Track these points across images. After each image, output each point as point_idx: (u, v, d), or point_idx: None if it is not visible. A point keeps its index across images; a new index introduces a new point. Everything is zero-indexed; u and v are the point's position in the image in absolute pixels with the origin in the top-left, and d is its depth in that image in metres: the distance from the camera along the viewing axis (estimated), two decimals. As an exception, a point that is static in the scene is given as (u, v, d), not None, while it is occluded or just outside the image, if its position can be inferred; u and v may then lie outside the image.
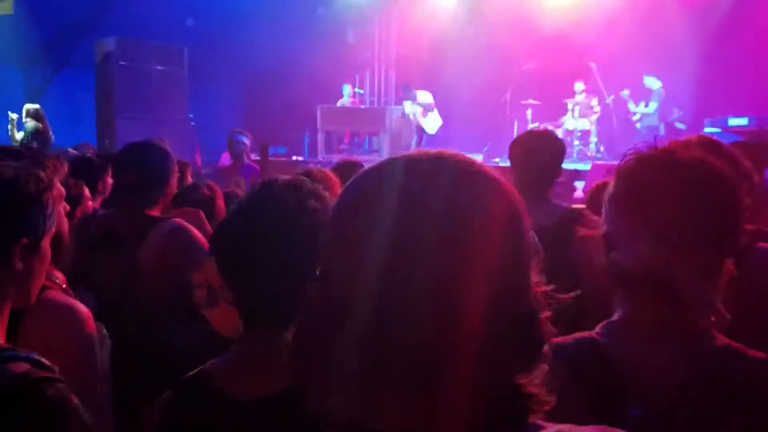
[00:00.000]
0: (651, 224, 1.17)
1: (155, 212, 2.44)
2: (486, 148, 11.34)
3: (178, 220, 2.40)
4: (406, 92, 11.07)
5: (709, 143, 1.96)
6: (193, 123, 11.17)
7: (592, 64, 10.89)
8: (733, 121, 7.40)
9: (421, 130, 11.28)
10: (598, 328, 1.25)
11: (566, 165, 8.78)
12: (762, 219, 3.20)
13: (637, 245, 1.19)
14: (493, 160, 10.16)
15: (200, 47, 11.33)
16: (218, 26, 11.48)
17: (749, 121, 7.28)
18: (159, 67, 10.55)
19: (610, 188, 1.28)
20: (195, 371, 1.20)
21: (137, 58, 10.31)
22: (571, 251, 2.49)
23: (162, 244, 2.29)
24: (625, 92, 10.72)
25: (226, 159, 8.76)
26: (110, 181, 3.30)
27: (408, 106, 11.21)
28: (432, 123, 11.18)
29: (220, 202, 2.94)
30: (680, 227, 1.15)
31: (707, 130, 7.84)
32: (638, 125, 10.59)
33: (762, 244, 1.92)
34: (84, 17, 10.75)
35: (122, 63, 10.12)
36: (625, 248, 1.21)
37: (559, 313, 0.75)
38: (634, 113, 10.67)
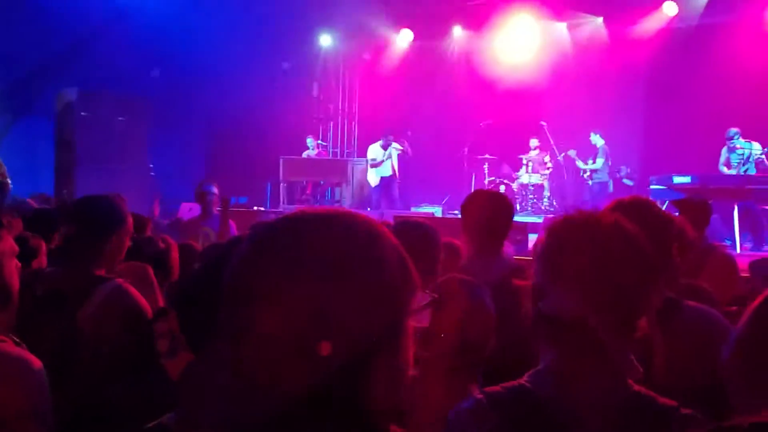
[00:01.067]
0: (570, 280, 1.29)
1: (101, 269, 2.40)
2: (445, 200, 11.59)
3: (119, 280, 2.35)
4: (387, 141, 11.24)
5: (639, 204, 2.10)
6: (153, 173, 11.16)
7: (543, 123, 11.32)
8: (677, 179, 7.75)
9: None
10: (526, 377, 1.33)
11: (521, 218, 9.06)
12: (703, 275, 3.39)
13: (559, 299, 1.30)
14: (452, 212, 10.40)
15: (165, 97, 11.41)
16: (183, 77, 11.60)
17: (692, 179, 7.64)
18: (121, 118, 10.59)
19: (538, 244, 1.41)
20: (153, 424, 1.21)
21: (99, 109, 10.34)
22: (512, 303, 2.62)
23: (102, 306, 2.25)
24: (572, 152, 11.13)
25: (185, 209, 8.78)
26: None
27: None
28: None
29: (175, 255, 2.97)
30: (595, 285, 1.26)
31: (653, 187, 8.18)
32: (590, 182, 10.98)
33: (689, 303, 2.05)
34: (45, 66, 10.77)
35: (83, 114, 10.13)
36: (548, 300, 1.32)
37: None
38: (584, 170, 11.07)
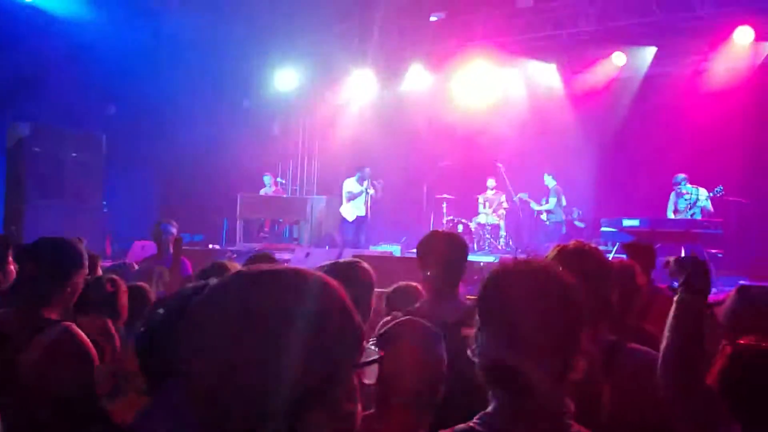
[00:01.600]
0: (504, 327, 1.34)
1: (53, 311, 2.36)
2: (403, 239, 11.65)
3: (68, 324, 2.32)
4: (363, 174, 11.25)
5: (580, 250, 2.17)
6: (106, 210, 10.97)
7: (500, 165, 11.58)
8: (627, 222, 7.99)
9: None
10: (476, 419, 1.37)
11: (479, 258, 9.14)
12: (651, 317, 3.47)
13: (493, 345, 1.35)
14: (411, 251, 10.45)
15: (120, 134, 11.29)
16: (140, 114, 11.51)
17: (641, 222, 7.88)
18: (74, 154, 10.42)
19: (479, 289, 1.46)
20: None
21: (52, 145, 10.17)
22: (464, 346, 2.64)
23: (48, 349, 2.22)
24: (524, 195, 11.40)
25: (137, 247, 8.62)
26: (11, 269, 3.20)
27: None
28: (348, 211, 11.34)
29: (124, 298, 2.92)
30: (524, 332, 1.31)
31: (604, 229, 8.42)
32: (547, 222, 11.21)
33: (631, 345, 2.11)
34: (-3, 99, 10.58)
35: (36, 149, 9.94)
36: (483, 346, 1.37)
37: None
38: (540, 211, 11.31)
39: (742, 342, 1.79)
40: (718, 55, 9.95)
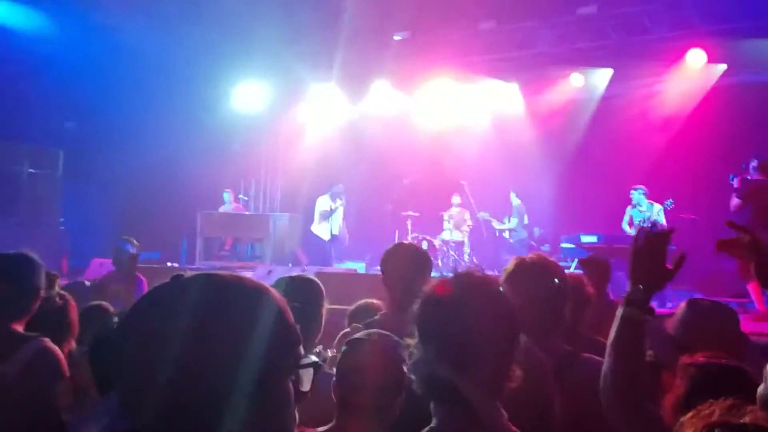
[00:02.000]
0: (439, 343, 1.36)
1: (20, 326, 2.40)
2: (368, 257, 11.64)
3: (44, 339, 2.37)
4: (335, 191, 11.21)
5: (537, 263, 2.22)
6: (63, 227, 10.72)
7: (463, 182, 11.70)
8: (585, 238, 8.16)
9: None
10: None
11: (446, 275, 9.20)
12: (605, 329, 3.53)
13: (430, 359, 1.36)
14: (375, 268, 10.44)
15: (79, 150, 11.09)
16: (99, 129, 11.33)
17: (598, 238, 8.06)
18: (31, 170, 10.19)
19: (416, 306, 1.48)
20: None
21: (8, 160, 9.95)
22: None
23: (27, 364, 2.26)
24: (485, 214, 11.54)
25: (95, 265, 8.44)
26: None
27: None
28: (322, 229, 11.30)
29: (73, 314, 2.85)
30: (459, 346, 1.34)
31: (563, 245, 8.57)
32: (511, 240, 11.33)
33: (585, 355, 2.17)
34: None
35: (-10, 165, 9.72)
36: (422, 361, 1.38)
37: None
38: (502, 230, 11.43)
39: (702, 359, 1.83)
40: (672, 77, 10.29)
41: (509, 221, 11.33)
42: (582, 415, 1.77)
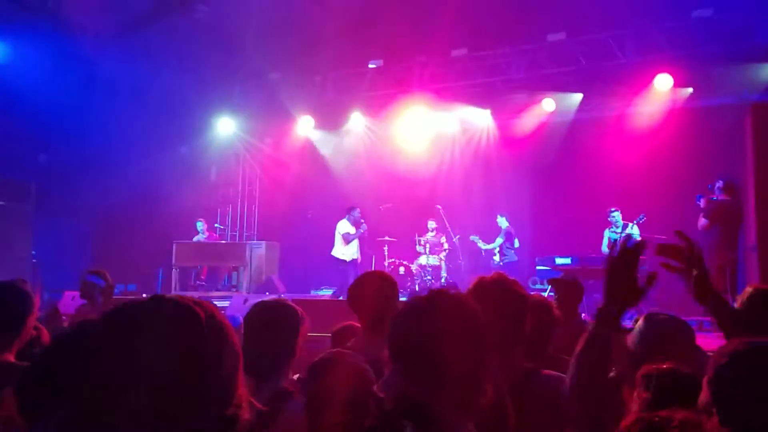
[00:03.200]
0: (409, 361, 1.37)
1: (9, 356, 2.39)
2: (345, 283, 11.62)
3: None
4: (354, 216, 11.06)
5: (498, 281, 2.25)
6: (35, 260, 10.57)
7: (438, 207, 11.78)
8: (559, 260, 8.25)
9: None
10: None
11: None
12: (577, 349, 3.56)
13: (400, 378, 1.38)
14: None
15: (52, 182, 10.98)
16: (73, 162, 11.24)
17: (572, 260, 8.15)
18: (2, 202, 10.06)
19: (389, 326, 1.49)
20: None
21: (-22, 193, 9.82)
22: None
23: None
24: (475, 237, 11.58)
25: (68, 298, 8.31)
26: None
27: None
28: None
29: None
30: (431, 367, 1.35)
31: (538, 267, 8.65)
32: (501, 263, 11.28)
33: (545, 372, 2.20)
34: None
35: (-39, 197, 9.58)
36: (392, 381, 1.39)
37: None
38: (491, 252, 11.44)
39: (663, 368, 1.87)
40: (641, 101, 10.53)
41: (494, 241, 11.38)
42: (539, 424, 1.80)
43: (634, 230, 9.40)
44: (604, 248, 9.59)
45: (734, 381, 1.37)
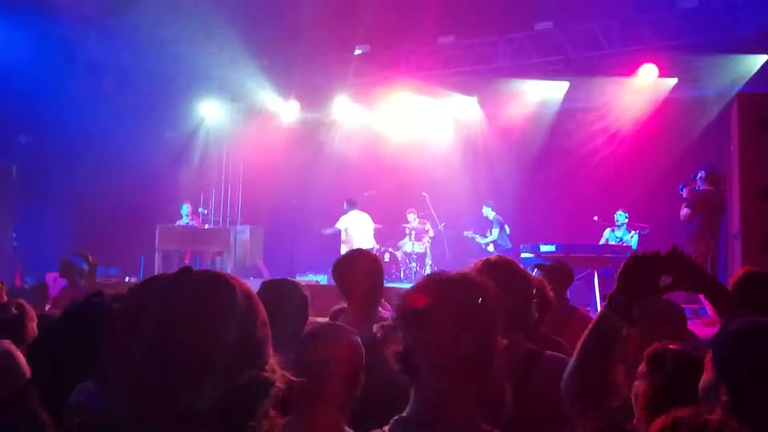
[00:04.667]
0: (422, 333, 1.38)
1: None
2: (329, 269, 11.58)
3: (6, 342, 2.34)
4: (350, 206, 11.06)
5: (503, 263, 2.26)
6: (16, 243, 10.43)
7: (425, 194, 11.80)
8: (544, 248, 8.30)
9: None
10: (391, 422, 1.42)
11: (404, 285, 9.19)
12: (566, 334, 3.62)
13: (412, 352, 1.38)
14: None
15: (34, 164, 10.83)
16: (55, 143, 11.08)
17: (557, 247, 8.21)
18: (-19, 185, 9.91)
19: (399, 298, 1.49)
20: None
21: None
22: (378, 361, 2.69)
23: None
24: (469, 232, 11.61)
25: (50, 280, 8.21)
26: None
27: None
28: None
29: (32, 324, 2.78)
30: (442, 342, 1.35)
31: (523, 255, 8.70)
32: (494, 251, 11.32)
33: (548, 353, 2.22)
34: None
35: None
36: (404, 354, 1.40)
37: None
38: (486, 244, 11.47)
39: (674, 348, 1.88)
40: (626, 90, 10.58)
41: (491, 233, 11.42)
42: (547, 411, 1.81)
43: (633, 239, 9.55)
44: (601, 242, 9.72)
45: (744, 353, 1.39)
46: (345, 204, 11.15)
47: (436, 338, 1.36)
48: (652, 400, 1.78)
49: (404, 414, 1.41)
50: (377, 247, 11.14)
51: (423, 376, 1.37)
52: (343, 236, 10.93)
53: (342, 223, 10.94)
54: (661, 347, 1.88)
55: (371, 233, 11.10)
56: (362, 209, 11.29)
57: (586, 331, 1.62)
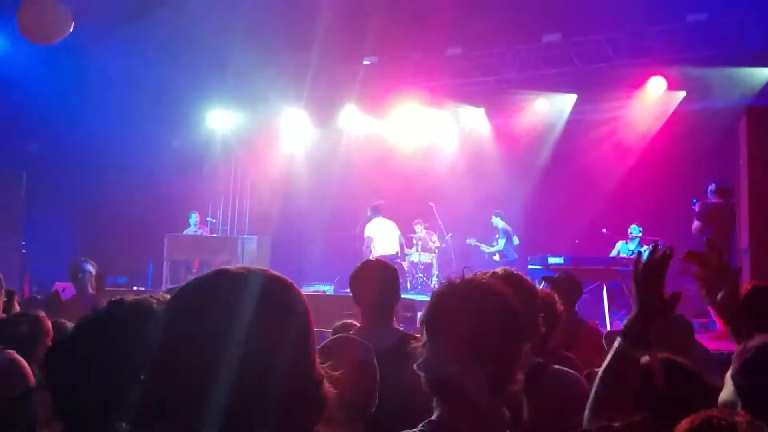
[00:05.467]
0: (447, 340, 1.40)
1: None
2: (336, 278, 11.60)
3: (11, 352, 2.39)
4: (374, 213, 11.06)
5: (510, 276, 2.27)
6: (25, 251, 10.48)
7: (432, 204, 11.80)
8: (552, 260, 8.29)
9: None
10: (420, 426, 1.43)
11: (411, 296, 9.17)
12: (575, 347, 3.59)
13: (438, 358, 1.40)
14: (344, 290, 10.41)
15: (43, 173, 10.90)
16: (64, 152, 11.15)
17: (565, 260, 8.20)
18: (-8, 193, 9.99)
19: (425, 307, 1.51)
20: None
21: (-32, 183, 9.72)
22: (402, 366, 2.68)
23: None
24: (472, 240, 11.59)
25: (58, 289, 8.25)
26: None
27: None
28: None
29: (47, 340, 2.74)
30: (469, 344, 1.37)
31: (531, 266, 8.69)
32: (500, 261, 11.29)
33: (555, 367, 2.22)
34: None
35: (-50, 187, 9.49)
36: (429, 360, 1.42)
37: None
38: (492, 253, 11.45)
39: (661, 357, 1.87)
40: (634, 103, 10.58)
41: (497, 243, 11.38)
42: (551, 424, 1.81)
43: (645, 253, 9.47)
44: (612, 254, 9.68)
45: (762, 375, 1.38)
46: (369, 211, 11.10)
47: (459, 345, 1.37)
48: (640, 410, 1.77)
49: (434, 418, 1.43)
50: (399, 254, 11.04)
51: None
52: (367, 244, 10.88)
53: (369, 231, 10.92)
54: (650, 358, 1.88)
55: (396, 241, 11.04)
56: (362, 219, 11.28)
57: (604, 366, 1.60)
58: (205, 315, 0.92)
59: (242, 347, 0.88)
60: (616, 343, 1.61)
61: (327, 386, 0.99)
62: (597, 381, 1.59)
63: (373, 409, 1.85)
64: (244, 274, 0.99)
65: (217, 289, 0.96)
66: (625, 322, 1.63)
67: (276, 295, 0.97)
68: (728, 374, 1.48)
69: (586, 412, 1.59)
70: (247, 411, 0.88)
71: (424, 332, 1.47)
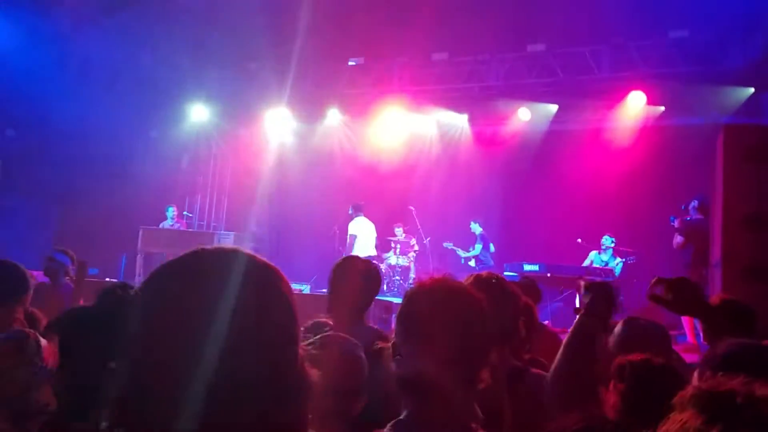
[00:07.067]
0: (420, 339, 1.40)
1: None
2: (313, 278, 11.55)
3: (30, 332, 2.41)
4: (356, 212, 10.98)
5: (491, 280, 2.29)
6: (-5, 238, 10.27)
7: (412, 208, 11.83)
8: (527, 267, 8.37)
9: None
10: (388, 427, 1.43)
11: (388, 298, 9.15)
12: (534, 349, 3.63)
13: (411, 356, 1.40)
14: (320, 290, 10.36)
15: (17, 159, 10.69)
16: (40, 139, 10.95)
17: (540, 267, 8.29)
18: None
19: (399, 307, 1.53)
20: None
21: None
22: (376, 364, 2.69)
23: None
24: (449, 244, 11.66)
25: (29, 277, 8.10)
26: None
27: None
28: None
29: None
30: (441, 344, 1.38)
31: (506, 273, 8.75)
32: (477, 268, 11.36)
33: (534, 370, 2.24)
34: None
35: None
36: (402, 358, 1.42)
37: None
38: (468, 258, 11.53)
39: (636, 358, 1.93)
40: (614, 115, 10.72)
41: (474, 249, 11.46)
42: (529, 419, 1.83)
43: (618, 266, 9.67)
44: (585, 264, 9.83)
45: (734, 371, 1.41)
46: (351, 209, 11.07)
47: (432, 344, 1.38)
48: (620, 411, 1.81)
49: (402, 417, 1.43)
50: (374, 255, 11.02)
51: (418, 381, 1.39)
52: (351, 242, 10.84)
53: (353, 229, 10.89)
54: (624, 359, 1.93)
55: (373, 242, 11.04)
56: (343, 221, 11.27)
57: (568, 335, 1.78)
58: (184, 300, 0.87)
59: (224, 333, 0.83)
60: (577, 318, 1.80)
61: (313, 371, 0.93)
62: (562, 348, 1.70)
63: (361, 405, 1.85)
64: (222, 254, 0.93)
65: (195, 272, 0.90)
66: (588, 302, 1.83)
67: (259, 276, 0.92)
68: (695, 375, 1.53)
69: (550, 375, 1.70)
70: (230, 399, 0.82)
71: (396, 330, 1.48)
